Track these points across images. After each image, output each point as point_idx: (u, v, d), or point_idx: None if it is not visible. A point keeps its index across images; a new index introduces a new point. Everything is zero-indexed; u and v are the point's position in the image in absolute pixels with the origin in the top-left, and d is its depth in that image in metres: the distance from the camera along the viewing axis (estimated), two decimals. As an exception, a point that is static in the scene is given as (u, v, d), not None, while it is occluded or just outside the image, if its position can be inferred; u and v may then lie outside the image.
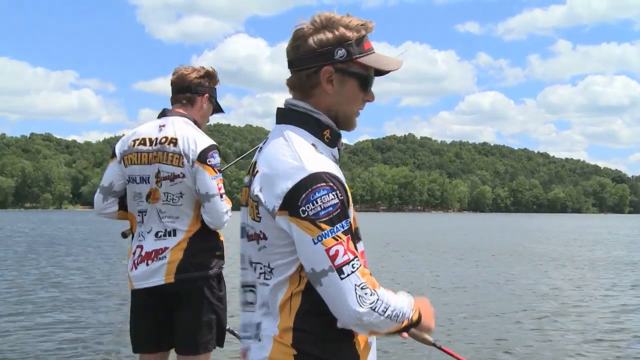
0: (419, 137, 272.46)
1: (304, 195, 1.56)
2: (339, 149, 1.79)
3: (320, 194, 1.56)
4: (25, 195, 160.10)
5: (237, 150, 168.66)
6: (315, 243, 1.56)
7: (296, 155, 1.62)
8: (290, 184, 1.58)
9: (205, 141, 3.20)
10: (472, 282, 13.47)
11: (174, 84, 3.37)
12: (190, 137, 3.17)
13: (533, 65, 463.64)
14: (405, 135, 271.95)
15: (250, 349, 1.75)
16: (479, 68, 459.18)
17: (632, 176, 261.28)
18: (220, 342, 3.30)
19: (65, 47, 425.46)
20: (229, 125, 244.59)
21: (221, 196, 3.13)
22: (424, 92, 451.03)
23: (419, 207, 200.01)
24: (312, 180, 1.57)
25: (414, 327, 1.72)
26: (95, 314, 9.37)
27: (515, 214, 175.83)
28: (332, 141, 1.75)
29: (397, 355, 6.83)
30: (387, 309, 1.59)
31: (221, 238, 3.30)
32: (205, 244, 3.19)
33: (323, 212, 1.56)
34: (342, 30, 1.69)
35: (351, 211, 1.68)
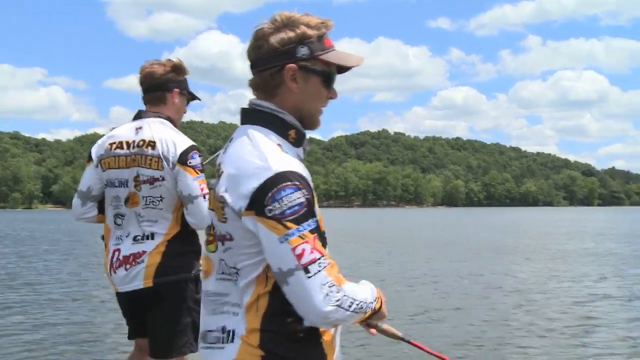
0: (392, 133, 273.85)
1: (269, 195, 1.56)
2: (304, 149, 1.80)
3: (286, 192, 1.56)
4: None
5: (211, 147, 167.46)
6: (281, 242, 1.55)
7: (262, 154, 1.61)
8: (256, 184, 1.57)
9: (184, 142, 3.16)
10: (445, 276, 13.57)
11: (142, 83, 3.31)
12: (169, 139, 3.14)
13: (504, 60, 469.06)
14: (378, 130, 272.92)
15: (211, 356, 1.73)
16: (451, 63, 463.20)
17: (601, 169, 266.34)
18: (195, 346, 3.26)
19: (34, 44, 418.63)
20: (202, 122, 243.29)
21: (204, 197, 3.10)
22: (396, 87, 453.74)
23: (393, 202, 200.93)
24: (278, 180, 1.56)
25: (375, 315, 1.77)
26: (66, 314, 9.23)
27: (488, 208, 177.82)
28: (297, 141, 1.75)
29: (372, 348, 6.83)
30: (352, 304, 1.61)
31: (198, 240, 3.25)
32: (183, 247, 3.17)
33: (289, 211, 1.55)
34: (303, 28, 1.70)
35: (316, 207, 1.68)
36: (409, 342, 2.05)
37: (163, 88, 3.28)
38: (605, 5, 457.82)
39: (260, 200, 1.57)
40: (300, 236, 1.56)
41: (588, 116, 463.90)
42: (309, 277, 1.55)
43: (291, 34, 1.70)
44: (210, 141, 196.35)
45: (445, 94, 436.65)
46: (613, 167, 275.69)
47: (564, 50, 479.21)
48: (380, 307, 1.78)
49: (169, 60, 3.34)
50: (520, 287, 12.09)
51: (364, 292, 1.69)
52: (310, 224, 1.58)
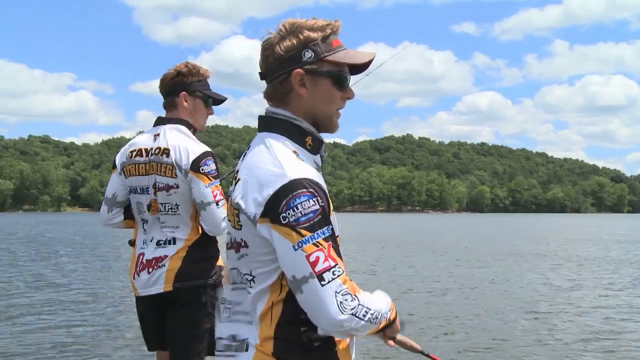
0: (417, 138, 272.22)
1: (284, 202, 1.55)
2: (321, 156, 1.79)
3: (301, 200, 1.55)
4: (24, 197, 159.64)
5: (235, 151, 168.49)
6: (295, 249, 1.55)
7: (277, 162, 1.62)
8: (271, 191, 1.57)
9: (197, 149, 3.19)
10: (470, 284, 13.50)
11: (160, 90, 3.39)
12: (182, 146, 3.17)
13: (530, 65, 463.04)
14: (403, 135, 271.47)
15: None
16: (476, 68, 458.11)
17: (631, 176, 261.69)
18: (213, 350, 3.29)
19: (63, 49, 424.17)
20: (226, 126, 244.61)
21: (217, 203, 3.12)
22: (421, 92, 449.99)
23: (417, 208, 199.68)
24: (293, 187, 1.56)
25: (389, 326, 1.74)
26: (91, 316, 9.39)
27: (514, 214, 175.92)
28: (314, 148, 1.75)
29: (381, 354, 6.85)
30: (367, 313, 1.59)
31: (218, 247, 3.31)
32: (204, 252, 3.20)
33: (303, 219, 1.55)
34: (306, 32, 1.70)
35: (333, 215, 1.67)
36: (428, 356, 2.01)
37: (171, 92, 3.33)
38: (635, 8, 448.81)
39: (275, 208, 1.56)
40: (314, 244, 1.55)
41: (617, 121, 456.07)
42: (323, 285, 1.54)
43: (295, 40, 1.69)
44: (235, 145, 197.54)
45: (470, 98, 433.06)
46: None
47: (591, 54, 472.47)
48: (395, 318, 1.76)
49: (181, 64, 3.36)
50: (549, 294, 11.97)
51: (379, 302, 1.68)
52: (324, 231, 1.57)
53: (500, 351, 7.35)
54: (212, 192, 3.13)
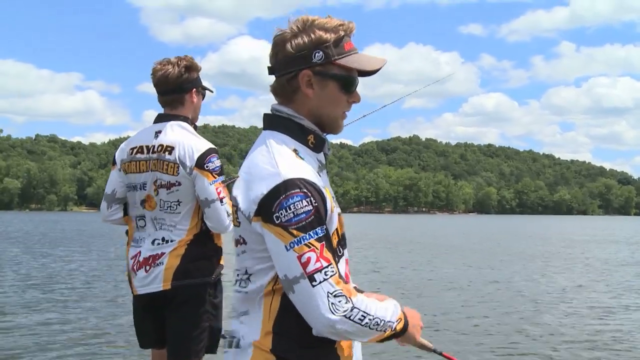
0: (423, 139, 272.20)
1: (277, 202, 1.56)
2: (325, 154, 1.78)
3: (294, 200, 1.55)
4: (31, 196, 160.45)
5: (242, 151, 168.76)
6: (287, 250, 1.55)
7: (273, 161, 1.62)
8: (265, 190, 1.57)
9: (202, 146, 3.15)
10: (479, 285, 13.33)
11: (156, 85, 3.26)
12: (186, 143, 3.14)
13: (537, 66, 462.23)
14: (410, 136, 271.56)
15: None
16: (483, 70, 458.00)
17: (638, 178, 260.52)
18: (212, 348, 3.25)
19: (71, 50, 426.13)
20: (233, 126, 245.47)
21: (221, 200, 3.07)
22: (427, 93, 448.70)
23: (424, 209, 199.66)
24: (287, 187, 1.56)
25: (397, 337, 1.71)
26: (85, 313, 9.28)
27: (521, 215, 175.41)
28: (317, 146, 1.74)
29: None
30: (364, 317, 1.57)
31: (220, 244, 3.27)
32: (203, 251, 3.17)
33: (296, 219, 1.55)
34: (318, 32, 1.67)
35: (335, 217, 1.68)
36: (441, 354, 2.00)
37: (180, 90, 3.24)
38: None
39: (268, 207, 1.56)
40: (306, 244, 1.55)
41: (623, 123, 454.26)
42: (314, 285, 1.54)
43: (306, 39, 1.67)
44: (242, 145, 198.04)
45: (477, 100, 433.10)
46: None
47: (598, 56, 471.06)
48: (406, 329, 1.70)
49: (179, 58, 3.26)
50: (561, 297, 11.81)
51: (383, 310, 1.63)
52: (317, 232, 1.57)
53: (516, 349, 7.19)
54: (217, 189, 3.08)
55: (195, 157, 3.10)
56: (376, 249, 23.86)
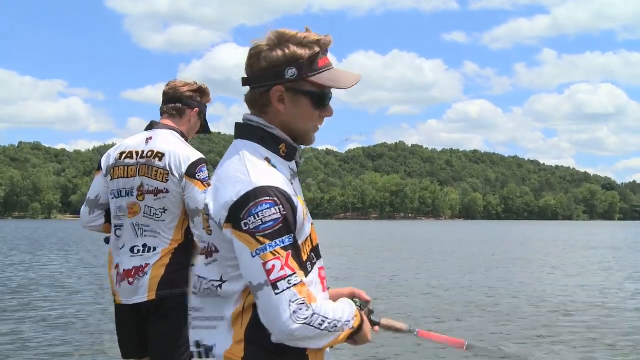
0: (409, 145, 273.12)
1: (246, 208, 1.57)
2: (297, 162, 1.79)
3: (263, 207, 1.56)
4: (14, 204, 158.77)
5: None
6: (253, 257, 1.56)
7: (244, 169, 1.63)
8: (235, 197, 1.59)
9: (193, 155, 3.16)
10: (463, 288, 13.20)
11: (165, 94, 3.34)
12: (178, 151, 3.14)
13: (519, 73, 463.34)
14: (396, 143, 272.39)
15: None
16: (466, 77, 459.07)
17: (622, 183, 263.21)
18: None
19: (54, 57, 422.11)
20: (219, 133, 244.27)
21: None
22: (411, 100, 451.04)
23: (410, 215, 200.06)
24: (256, 194, 1.57)
25: (355, 334, 1.73)
26: (65, 320, 9.03)
27: (507, 221, 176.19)
28: (289, 155, 1.75)
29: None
30: (324, 322, 1.60)
31: None
32: (187, 260, 3.16)
33: (263, 226, 1.56)
34: (293, 48, 1.67)
35: (307, 225, 1.70)
36: (416, 335, 1.99)
37: (185, 103, 3.32)
38: (620, 19, 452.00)
39: (237, 214, 1.58)
40: (272, 252, 1.56)
41: (605, 129, 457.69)
42: (277, 293, 1.54)
43: (280, 54, 1.67)
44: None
45: (461, 107, 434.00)
46: (634, 181, 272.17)
47: (580, 63, 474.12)
48: (361, 325, 1.75)
49: (196, 82, 3.40)
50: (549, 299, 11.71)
51: (339, 311, 1.67)
52: (284, 240, 1.57)
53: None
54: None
55: (187, 166, 3.10)
56: (369, 255, 23.65)
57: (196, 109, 3.35)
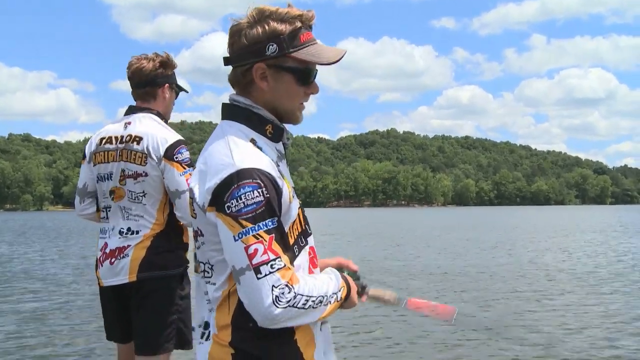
0: (401, 132, 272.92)
1: (229, 191, 1.54)
2: (284, 144, 1.77)
3: (245, 190, 1.54)
4: (5, 196, 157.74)
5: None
6: (235, 240, 1.54)
7: (228, 151, 1.60)
8: (218, 180, 1.56)
9: (171, 137, 3.17)
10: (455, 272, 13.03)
11: (131, 79, 3.32)
12: (155, 134, 3.15)
13: (509, 59, 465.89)
14: (387, 130, 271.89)
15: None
16: (456, 63, 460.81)
17: (613, 167, 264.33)
18: (183, 345, 3.20)
19: (42, 48, 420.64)
20: (210, 122, 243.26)
21: None
22: (402, 87, 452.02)
23: (403, 202, 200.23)
24: (239, 177, 1.55)
25: (344, 303, 1.73)
26: (53, 304, 8.79)
27: (500, 207, 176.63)
28: (275, 136, 1.72)
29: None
30: (308, 301, 1.57)
31: (187, 240, 3.28)
32: (169, 243, 3.18)
33: (245, 209, 1.53)
34: (273, 24, 1.64)
35: (294, 207, 1.68)
36: (406, 306, 1.95)
37: (153, 84, 3.29)
38: (609, 3, 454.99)
39: (221, 197, 1.55)
40: (254, 235, 1.53)
41: (596, 114, 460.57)
42: (259, 278, 1.52)
43: (260, 31, 1.64)
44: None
45: (451, 93, 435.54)
46: (625, 165, 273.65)
47: (569, 48, 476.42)
48: (348, 294, 1.74)
49: (156, 54, 3.32)
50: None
51: (324, 286, 1.65)
52: (267, 223, 1.55)
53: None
54: (187, 180, 3.06)
55: (164, 148, 3.11)
56: (359, 242, 23.44)
57: (166, 85, 3.32)
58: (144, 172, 3.12)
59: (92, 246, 22.19)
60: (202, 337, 1.70)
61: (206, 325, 1.70)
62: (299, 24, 1.66)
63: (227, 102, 1.75)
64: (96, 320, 8.17)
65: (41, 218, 75.29)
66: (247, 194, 1.53)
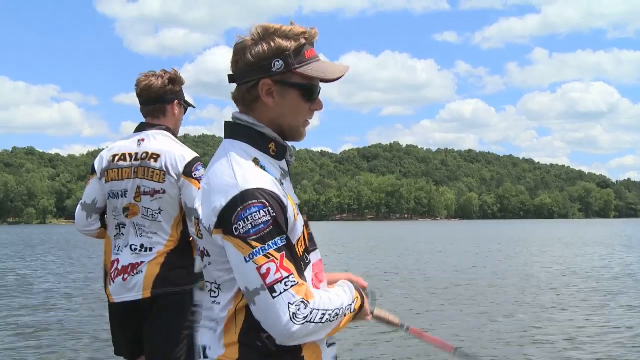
0: (404, 145, 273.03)
1: (235, 213, 1.55)
2: (287, 161, 1.77)
3: (251, 211, 1.54)
4: (8, 210, 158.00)
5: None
6: (247, 261, 1.54)
7: (232, 172, 1.61)
8: (223, 202, 1.57)
9: (188, 154, 3.20)
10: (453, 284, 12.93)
11: (140, 96, 3.34)
12: (173, 151, 3.18)
13: (511, 73, 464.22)
14: (390, 143, 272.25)
15: None
16: (459, 76, 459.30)
17: (616, 181, 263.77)
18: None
19: (46, 61, 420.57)
20: (213, 136, 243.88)
21: None
22: (404, 101, 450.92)
23: (406, 215, 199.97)
24: (244, 198, 1.55)
25: (357, 314, 1.74)
26: (59, 320, 8.71)
27: (503, 220, 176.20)
28: (279, 154, 1.73)
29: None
30: (325, 314, 1.59)
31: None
32: (183, 260, 3.17)
33: (254, 230, 1.54)
34: (278, 41, 1.66)
35: (299, 225, 1.68)
36: (407, 331, 1.97)
37: (162, 100, 3.31)
38: (610, 17, 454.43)
39: (227, 219, 1.56)
40: (265, 255, 1.54)
41: (599, 128, 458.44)
42: (275, 297, 1.53)
43: (266, 47, 1.65)
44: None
45: (454, 106, 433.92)
46: (629, 179, 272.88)
47: (571, 62, 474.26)
48: (362, 305, 1.76)
49: (165, 71, 3.35)
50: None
51: (339, 298, 1.66)
52: (276, 242, 1.56)
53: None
54: None
55: (183, 165, 3.14)
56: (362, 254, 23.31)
57: (175, 102, 3.34)
58: (162, 189, 3.13)
59: (95, 260, 22.14)
60: (199, 357, 1.73)
61: (203, 342, 1.71)
62: (303, 41, 1.68)
63: (230, 120, 1.76)
64: (102, 334, 8.13)
65: (44, 231, 75.25)
66: (253, 214, 1.54)
